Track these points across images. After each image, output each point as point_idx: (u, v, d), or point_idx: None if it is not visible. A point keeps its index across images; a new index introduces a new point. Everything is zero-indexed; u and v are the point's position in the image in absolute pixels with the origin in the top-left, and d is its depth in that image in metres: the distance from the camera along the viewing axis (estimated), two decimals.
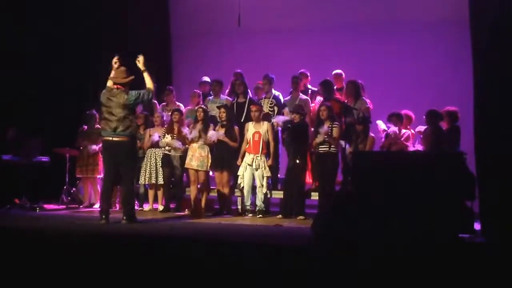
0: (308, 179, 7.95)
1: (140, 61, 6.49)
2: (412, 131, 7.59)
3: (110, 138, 6.43)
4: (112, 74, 6.56)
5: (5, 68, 8.97)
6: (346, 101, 7.81)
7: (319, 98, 8.13)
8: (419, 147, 7.31)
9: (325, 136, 7.26)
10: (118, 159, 6.48)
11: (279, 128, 7.85)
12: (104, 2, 9.81)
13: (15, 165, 8.32)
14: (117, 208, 8.29)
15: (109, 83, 6.57)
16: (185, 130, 7.96)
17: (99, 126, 8.50)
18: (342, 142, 7.26)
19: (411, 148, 7.29)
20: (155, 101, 8.77)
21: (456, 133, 7.09)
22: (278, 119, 7.74)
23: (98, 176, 8.54)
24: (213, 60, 10.07)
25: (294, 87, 8.22)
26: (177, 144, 7.96)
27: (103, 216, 6.37)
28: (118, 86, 6.50)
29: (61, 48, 9.45)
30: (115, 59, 6.57)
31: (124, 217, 6.48)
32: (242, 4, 9.02)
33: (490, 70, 5.61)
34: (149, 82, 6.53)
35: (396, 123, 7.41)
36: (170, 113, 8.26)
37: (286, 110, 7.97)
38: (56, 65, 9.38)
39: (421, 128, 7.47)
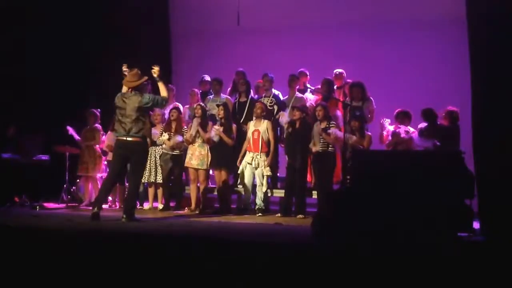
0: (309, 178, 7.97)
1: (155, 72, 6.69)
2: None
3: (124, 138, 6.60)
4: (126, 78, 6.73)
5: (5, 66, 8.97)
6: (347, 100, 7.84)
7: (310, 99, 8.14)
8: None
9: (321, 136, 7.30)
10: (129, 158, 6.68)
11: (281, 125, 7.83)
12: (103, 1, 9.81)
13: (15, 163, 8.33)
14: (117, 207, 8.32)
15: (124, 88, 6.81)
16: (179, 138, 7.96)
17: (98, 126, 8.55)
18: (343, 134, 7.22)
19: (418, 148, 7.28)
20: None
21: (456, 132, 7.11)
22: (284, 117, 7.70)
23: (99, 175, 8.54)
24: (213, 59, 10.08)
25: (290, 86, 8.24)
26: (178, 138, 7.96)
27: (96, 207, 6.50)
28: (132, 90, 6.65)
29: (61, 46, 9.45)
30: (123, 67, 6.87)
31: (124, 216, 6.52)
32: (241, 3, 9.04)
33: (488, 68, 5.62)
34: (163, 91, 6.75)
35: (403, 121, 7.43)
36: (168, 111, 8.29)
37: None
38: (56, 63, 9.38)
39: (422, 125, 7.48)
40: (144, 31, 10.02)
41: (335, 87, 8.22)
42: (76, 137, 8.59)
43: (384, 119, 7.56)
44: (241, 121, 8.11)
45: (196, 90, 8.75)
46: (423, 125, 7.39)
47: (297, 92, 8.22)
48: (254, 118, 7.78)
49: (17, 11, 9.14)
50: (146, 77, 6.74)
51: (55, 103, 9.31)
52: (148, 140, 7.86)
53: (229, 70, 8.99)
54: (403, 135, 7.25)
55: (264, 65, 8.89)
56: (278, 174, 8.19)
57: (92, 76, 9.49)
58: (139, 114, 6.60)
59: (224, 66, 9.38)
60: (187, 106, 8.73)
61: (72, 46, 9.50)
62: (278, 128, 8.07)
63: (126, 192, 7.96)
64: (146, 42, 10.06)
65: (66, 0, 9.56)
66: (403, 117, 7.45)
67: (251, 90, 8.44)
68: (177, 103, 8.76)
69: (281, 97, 8.28)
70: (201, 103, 8.14)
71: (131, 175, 6.88)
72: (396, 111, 7.55)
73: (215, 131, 7.72)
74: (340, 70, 8.53)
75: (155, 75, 6.69)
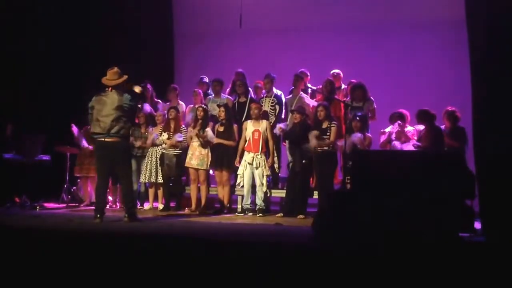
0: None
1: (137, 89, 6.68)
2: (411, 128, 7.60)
3: (103, 139, 6.42)
4: (106, 76, 6.58)
5: (6, 66, 8.98)
6: (347, 100, 7.83)
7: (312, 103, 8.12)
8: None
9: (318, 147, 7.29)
10: (113, 160, 6.49)
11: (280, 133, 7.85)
12: (106, 2, 9.82)
13: (16, 163, 8.33)
14: (118, 207, 8.32)
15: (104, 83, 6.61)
16: (178, 138, 7.95)
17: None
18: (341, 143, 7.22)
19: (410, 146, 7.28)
20: (158, 100, 8.79)
21: (460, 133, 7.07)
22: (282, 126, 7.71)
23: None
24: (215, 59, 10.14)
25: (295, 85, 8.23)
26: (178, 137, 7.96)
27: (98, 215, 6.39)
28: (111, 88, 6.52)
29: (62, 46, 9.46)
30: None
31: (126, 216, 6.52)
32: (243, 5, 9.05)
33: (488, 69, 5.61)
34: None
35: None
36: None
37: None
38: (57, 63, 9.39)
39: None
40: (147, 32, 10.05)
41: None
42: (76, 132, 8.57)
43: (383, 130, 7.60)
44: (242, 121, 8.10)
45: (199, 90, 8.76)
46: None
47: (301, 92, 8.20)
48: (252, 118, 7.77)
49: (16, 9, 9.15)
50: (125, 77, 6.57)
51: (55, 103, 9.33)
52: (139, 140, 7.87)
53: (231, 71, 9.01)
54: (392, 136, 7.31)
55: (266, 66, 8.90)
56: (279, 174, 8.19)
57: (93, 76, 9.47)
58: (119, 113, 6.39)
59: (226, 67, 9.40)
60: (191, 106, 8.74)
61: (73, 46, 9.51)
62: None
63: None
64: (149, 43, 10.09)
65: (68, 0, 9.57)
66: (397, 119, 7.45)
67: (250, 90, 8.45)
68: (181, 103, 8.79)
69: (283, 97, 8.28)
70: (202, 105, 8.14)
71: (121, 176, 6.69)
72: (391, 113, 7.57)
73: (212, 139, 7.74)
74: (337, 71, 8.55)
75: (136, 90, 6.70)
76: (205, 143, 7.81)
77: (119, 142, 6.44)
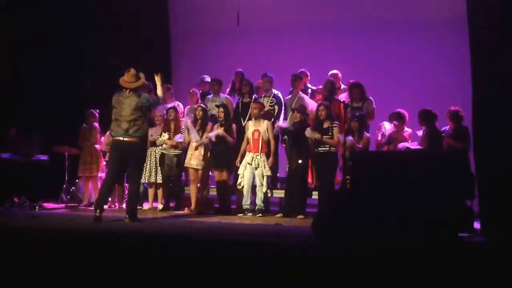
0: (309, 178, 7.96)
1: (158, 76, 6.81)
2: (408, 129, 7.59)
3: (122, 138, 6.57)
4: (123, 78, 6.69)
5: (4, 66, 8.97)
6: (347, 101, 7.83)
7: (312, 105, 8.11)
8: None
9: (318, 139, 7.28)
10: (127, 159, 6.63)
11: (278, 132, 7.86)
12: (103, 2, 9.80)
13: (14, 163, 8.32)
14: (116, 207, 8.32)
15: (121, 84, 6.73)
16: (178, 139, 7.96)
17: (97, 125, 8.56)
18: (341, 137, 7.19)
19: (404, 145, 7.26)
20: None
21: (465, 132, 7.05)
22: (280, 125, 7.71)
23: (99, 175, 8.54)
24: (212, 59, 10.08)
25: (294, 85, 8.21)
26: (178, 138, 7.96)
27: (98, 210, 6.44)
28: (130, 90, 6.63)
29: (61, 46, 9.45)
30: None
31: (127, 216, 6.56)
32: (241, 3, 9.02)
33: (488, 69, 5.62)
34: (160, 91, 6.84)
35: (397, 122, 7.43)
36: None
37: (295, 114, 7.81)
38: (55, 63, 9.38)
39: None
40: (144, 31, 10.02)
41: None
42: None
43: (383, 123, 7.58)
44: (246, 121, 8.05)
45: (195, 90, 8.72)
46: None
47: (300, 92, 8.18)
48: (252, 118, 7.77)
49: (15, 10, 9.13)
50: (143, 80, 6.74)
51: (54, 103, 9.31)
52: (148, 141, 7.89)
53: (229, 70, 8.98)
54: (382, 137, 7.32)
55: (264, 65, 8.87)
56: (278, 175, 8.17)
57: (91, 76, 9.49)
58: (137, 114, 6.56)
59: (224, 66, 9.37)
60: (188, 106, 8.70)
61: (72, 46, 9.50)
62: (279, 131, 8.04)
63: (126, 192, 7.97)
64: (146, 42, 10.06)
65: (66, 1, 9.56)
66: (395, 118, 7.44)
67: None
68: (177, 102, 8.76)
69: (282, 97, 8.26)
70: (201, 105, 8.13)
71: (131, 176, 6.83)
72: (390, 113, 7.57)
73: (216, 132, 7.73)
74: (335, 71, 8.52)
75: (157, 78, 6.80)
76: (205, 151, 7.83)
77: (136, 143, 6.60)
